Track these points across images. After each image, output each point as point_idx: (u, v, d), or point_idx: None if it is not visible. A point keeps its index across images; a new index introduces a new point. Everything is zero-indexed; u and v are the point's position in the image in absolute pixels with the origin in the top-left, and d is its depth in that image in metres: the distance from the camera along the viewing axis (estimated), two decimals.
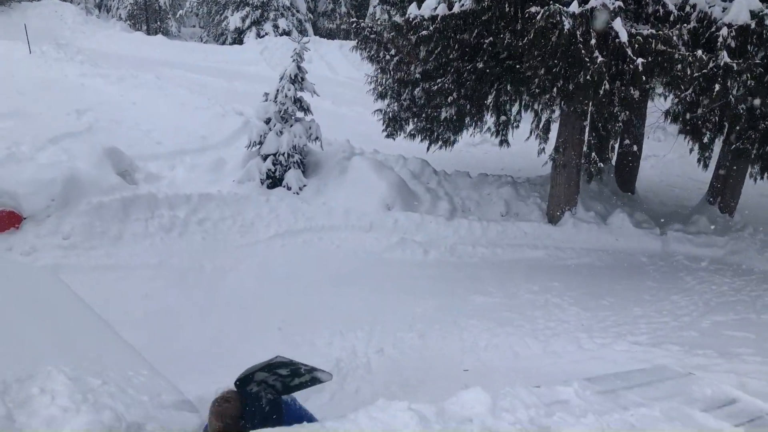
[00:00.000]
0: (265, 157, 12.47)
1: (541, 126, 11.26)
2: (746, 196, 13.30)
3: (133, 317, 7.88)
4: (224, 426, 3.31)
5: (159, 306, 8.78)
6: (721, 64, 8.36)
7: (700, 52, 8.15)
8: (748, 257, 11.26)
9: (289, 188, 12.38)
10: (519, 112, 12.00)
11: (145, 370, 3.81)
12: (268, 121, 12.55)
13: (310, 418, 3.75)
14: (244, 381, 3.59)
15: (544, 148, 11.67)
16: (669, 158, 17.76)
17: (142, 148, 13.56)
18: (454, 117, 11.49)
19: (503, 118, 12.27)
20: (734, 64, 8.35)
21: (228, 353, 7.93)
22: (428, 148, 13.25)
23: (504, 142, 12.73)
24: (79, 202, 10.23)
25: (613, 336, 8.17)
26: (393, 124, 13.05)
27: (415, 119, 12.61)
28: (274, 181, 12.51)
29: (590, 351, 7.77)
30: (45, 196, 10.01)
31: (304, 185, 12.53)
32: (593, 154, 10.41)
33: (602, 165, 11.38)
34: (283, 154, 12.35)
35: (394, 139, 13.56)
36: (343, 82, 26.16)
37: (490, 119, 12.57)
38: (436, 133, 12.52)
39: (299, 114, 12.76)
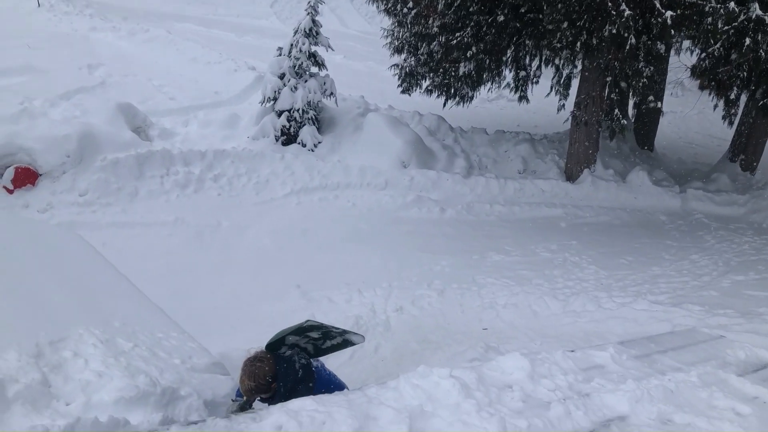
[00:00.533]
0: (279, 113, 12.30)
1: (562, 81, 10.98)
2: None
3: (150, 274, 7.85)
4: (256, 386, 3.18)
5: (176, 263, 8.78)
6: (753, 17, 8.05)
7: (732, 4, 7.84)
8: None
9: (303, 145, 12.24)
10: (539, 67, 11.71)
11: (174, 332, 3.77)
12: (282, 77, 12.33)
13: (339, 385, 3.69)
14: (274, 345, 3.53)
15: (564, 105, 11.44)
16: (687, 114, 17.45)
17: (156, 103, 13.41)
18: (473, 72, 11.23)
19: (523, 73, 11.98)
20: (766, 17, 8.04)
21: (247, 310, 7.95)
22: (444, 104, 13.02)
23: (523, 98, 12.47)
24: (94, 159, 10.17)
25: (633, 295, 8.10)
26: (409, 80, 12.81)
27: (432, 74, 12.34)
28: (288, 137, 12.36)
29: (610, 310, 7.71)
30: (60, 152, 9.94)
31: (319, 142, 12.37)
32: (616, 110, 10.17)
33: (625, 122, 11.13)
34: (298, 110, 12.17)
35: (410, 94, 13.33)
36: (355, 35, 25.71)
37: (509, 74, 12.29)
38: (453, 89, 12.27)
39: (314, 69, 12.53)
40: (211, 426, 2.18)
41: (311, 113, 12.34)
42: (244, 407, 3.26)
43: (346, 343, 3.76)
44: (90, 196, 9.81)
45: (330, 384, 3.56)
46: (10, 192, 9.59)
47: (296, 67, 12.25)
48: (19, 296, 3.28)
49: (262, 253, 9.31)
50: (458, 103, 12.82)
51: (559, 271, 8.85)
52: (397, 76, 13.14)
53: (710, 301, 7.84)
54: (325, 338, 3.65)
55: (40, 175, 9.86)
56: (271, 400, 3.27)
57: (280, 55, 12.48)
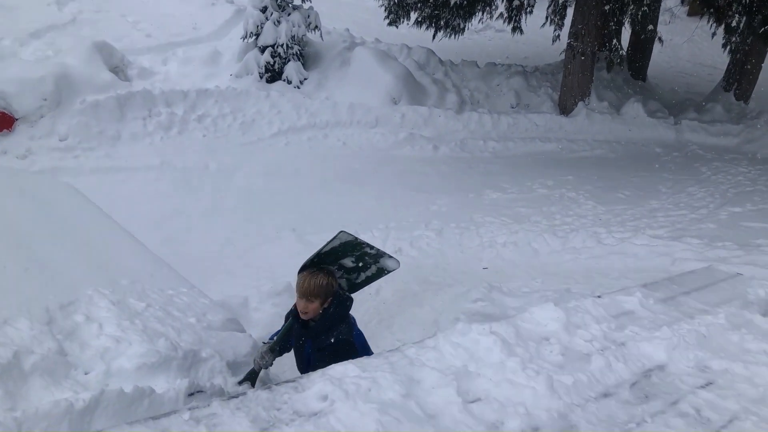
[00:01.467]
0: (262, 49, 11.81)
1: (557, 11, 10.62)
2: (762, 83, 12.92)
3: (140, 221, 7.56)
4: (327, 284, 2.97)
5: (166, 208, 8.54)
6: None
7: None
8: (764, 145, 11.05)
9: (289, 82, 11.83)
10: None
11: (184, 287, 3.59)
12: (264, 10, 11.78)
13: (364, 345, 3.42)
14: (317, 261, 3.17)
15: (558, 35, 11.11)
16: (677, 43, 17.14)
17: (132, 41, 12.82)
18: (464, 2, 10.81)
19: (516, 2, 11.56)
20: None
21: (242, 255, 7.79)
22: (434, 37, 12.62)
23: (516, 28, 12.09)
24: (73, 102, 9.74)
25: (632, 230, 8.07)
26: (397, 11, 12.32)
27: (421, 5, 11.88)
28: (273, 74, 11.93)
29: (610, 246, 7.67)
30: (36, 95, 9.49)
31: (305, 78, 11.97)
32: (615, 41, 9.89)
33: (624, 52, 10.86)
34: (282, 46, 11.70)
35: (397, 26, 12.88)
36: None
37: (501, 4, 11.87)
38: (443, 20, 11.84)
39: (297, 1, 11.99)
40: (253, 398, 2.03)
41: (296, 48, 11.88)
42: (274, 348, 3.13)
43: (381, 272, 3.43)
44: (71, 141, 9.43)
45: (361, 334, 3.35)
46: None
47: (279, 0, 11.71)
48: (20, 256, 3.06)
49: (253, 195, 9.09)
50: (449, 36, 12.41)
51: (556, 208, 8.77)
52: (383, 8, 12.64)
53: (709, 233, 7.83)
54: (359, 270, 3.37)
55: (17, 119, 9.43)
56: (313, 323, 3.05)
57: None
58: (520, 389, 2.34)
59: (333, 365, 2.33)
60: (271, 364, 3.15)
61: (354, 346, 3.07)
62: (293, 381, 2.17)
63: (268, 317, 6.33)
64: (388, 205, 8.80)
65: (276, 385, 2.13)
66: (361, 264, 3.36)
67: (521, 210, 8.66)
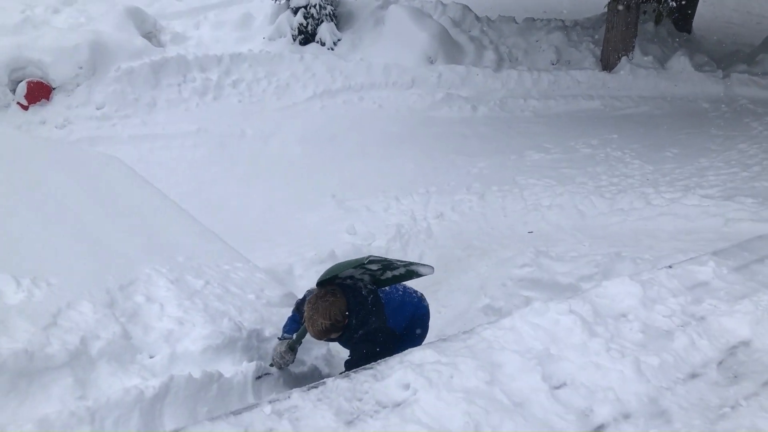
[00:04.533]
0: (295, 10, 11.57)
1: None
2: None
3: (179, 188, 7.53)
4: (332, 324, 2.82)
5: (204, 175, 8.53)
6: None
7: None
8: None
9: (323, 44, 11.60)
10: None
11: (239, 262, 3.51)
12: None
13: (411, 303, 3.31)
14: (326, 283, 3.10)
15: None
16: None
17: (162, 6, 12.66)
18: None
19: None
20: None
21: (283, 222, 7.72)
22: None
23: None
24: (108, 69, 9.68)
25: (682, 190, 7.78)
26: None
27: None
28: (306, 36, 11.70)
29: (659, 207, 7.41)
30: (72, 63, 9.44)
31: (339, 39, 11.72)
32: None
33: (674, 4, 10.39)
34: (315, 6, 11.44)
35: None
36: None
37: None
38: None
39: None
40: (333, 388, 1.95)
41: (329, 8, 11.61)
42: (294, 346, 2.97)
43: (411, 274, 3.23)
44: (107, 109, 9.41)
45: (404, 310, 3.21)
46: (25, 108, 9.21)
47: None
48: (76, 235, 3.00)
49: (290, 161, 9.00)
50: None
51: (602, 168, 8.51)
52: None
53: (763, 192, 7.51)
54: (385, 269, 3.19)
55: (54, 88, 9.43)
56: (340, 338, 2.97)
57: None
58: (606, 372, 2.22)
59: (410, 350, 2.22)
60: (292, 362, 2.99)
61: (388, 330, 3.00)
62: (371, 368, 2.08)
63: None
64: (427, 169, 8.64)
65: (354, 372, 2.04)
66: (388, 266, 3.20)
67: (565, 171, 8.43)
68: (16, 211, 2.88)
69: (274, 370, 2.77)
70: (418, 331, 3.26)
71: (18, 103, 9.16)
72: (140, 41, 10.31)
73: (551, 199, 7.74)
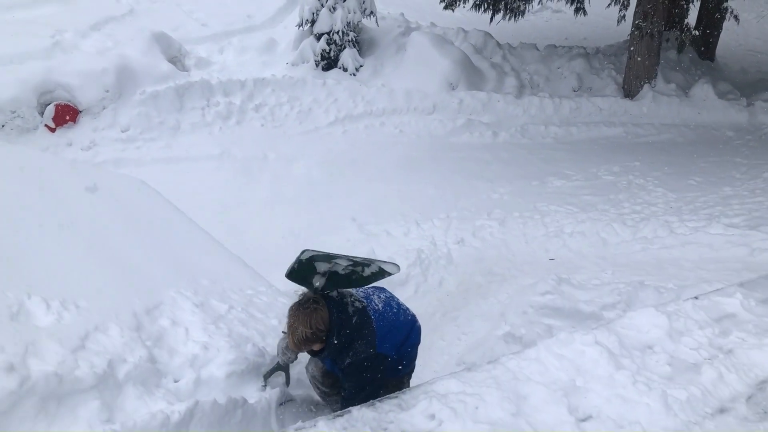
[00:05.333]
0: (318, 37, 11.72)
1: None
2: None
3: (202, 211, 7.59)
4: (313, 334, 2.63)
5: (227, 198, 8.59)
6: None
7: None
8: None
9: (345, 69, 11.72)
10: None
11: (262, 286, 3.54)
12: None
13: (406, 322, 3.11)
14: (296, 273, 2.87)
15: (624, 15, 10.68)
16: (745, 19, 16.31)
17: (188, 31, 12.89)
18: None
19: None
20: None
21: (304, 244, 7.72)
22: (491, 19, 12.29)
23: (580, 9, 11.69)
24: (133, 93, 9.86)
25: (706, 218, 7.70)
26: None
27: None
28: (329, 62, 11.84)
29: (683, 235, 7.35)
30: (98, 87, 9.64)
31: (361, 65, 11.84)
32: (686, 20, 9.43)
33: (697, 32, 10.38)
34: (338, 32, 11.59)
35: (453, 10, 12.60)
36: None
37: None
38: (504, 2, 11.52)
39: None
40: (359, 417, 1.95)
41: (351, 35, 11.75)
42: (280, 368, 2.86)
43: (383, 273, 3.05)
44: (132, 132, 9.56)
45: (399, 332, 2.98)
46: (52, 130, 9.38)
47: None
48: (103, 257, 3.04)
49: (312, 185, 9.05)
50: (509, 18, 12.08)
51: (624, 195, 8.46)
52: None
53: None
54: (362, 265, 3.00)
55: (80, 111, 9.61)
56: (323, 354, 2.78)
57: None
58: (633, 406, 2.19)
59: (435, 379, 2.21)
60: (296, 358, 2.94)
61: (379, 357, 2.78)
62: (396, 397, 2.07)
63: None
64: (448, 194, 8.65)
65: (379, 401, 2.03)
66: (359, 261, 3.01)
67: (587, 198, 8.40)
68: (44, 234, 2.93)
69: (297, 395, 2.77)
70: (404, 363, 3.07)
71: (46, 125, 9.35)
72: (165, 65, 10.50)
73: (573, 226, 7.70)
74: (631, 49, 10.97)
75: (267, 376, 2.84)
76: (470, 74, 11.34)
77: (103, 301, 2.65)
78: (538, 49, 12.54)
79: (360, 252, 7.26)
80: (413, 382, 3.06)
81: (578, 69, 11.88)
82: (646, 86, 11.07)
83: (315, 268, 2.89)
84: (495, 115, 10.74)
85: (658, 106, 10.88)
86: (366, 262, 3.01)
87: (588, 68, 11.92)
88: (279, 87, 10.72)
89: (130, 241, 3.32)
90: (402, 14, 13.36)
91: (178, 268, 3.29)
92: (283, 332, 2.88)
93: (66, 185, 3.62)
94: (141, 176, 6.34)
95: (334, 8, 11.60)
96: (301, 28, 11.95)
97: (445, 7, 12.55)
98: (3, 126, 9.11)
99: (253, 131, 10.18)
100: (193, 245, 3.69)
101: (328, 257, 2.85)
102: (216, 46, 12.54)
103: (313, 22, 11.73)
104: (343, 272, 2.96)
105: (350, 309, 2.84)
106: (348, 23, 11.67)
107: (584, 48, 12.75)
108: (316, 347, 2.74)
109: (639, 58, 10.87)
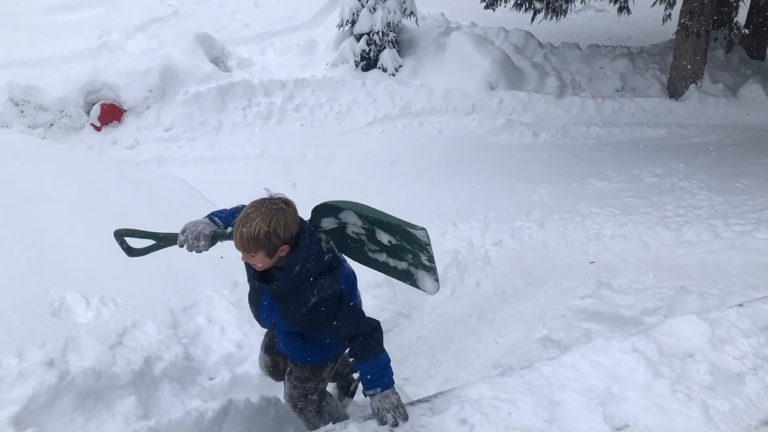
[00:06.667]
0: (358, 37, 11.76)
1: None
2: None
3: None
4: (266, 236, 2.15)
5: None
6: None
7: None
8: None
9: (384, 70, 11.73)
10: None
11: None
12: None
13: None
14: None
15: (669, 14, 10.45)
16: None
17: (230, 31, 13.09)
18: None
19: None
20: None
21: None
22: (533, 18, 12.15)
23: (624, 8, 11.46)
24: (177, 93, 10.06)
25: (753, 223, 7.46)
26: None
27: None
28: (368, 62, 11.87)
29: (729, 240, 7.13)
30: (143, 87, 9.86)
31: (400, 66, 11.84)
32: (735, 18, 9.17)
33: (747, 31, 10.08)
34: (378, 33, 11.61)
35: (494, 9, 12.50)
36: None
37: None
38: (545, 1, 11.38)
39: None
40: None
41: (391, 35, 11.76)
42: (217, 237, 2.42)
43: (408, 278, 2.67)
44: (175, 131, 9.74)
45: (350, 284, 2.56)
46: (98, 129, 9.62)
47: None
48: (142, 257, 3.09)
49: (349, 184, 9.06)
50: (551, 18, 11.92)
51: (667, 198, 8.26)
52: None
53: None
54: (387, 251, 2.62)
55: (125, 110, 9.83)
56: (270, 279, 2.35)
57: None
58: (671, 416, 2.14)
59: (467, 384, 2.17)
60: (204, 251, 2.47)
61: (347, 298, 2.37)
62: (428, 401, 2.06)
63: (368, 309, 6.26)
64: (486, 194, 8.57)
65: (410, 404, 2.02)
66: (396, 251, 2.62)
67: (629, 200, 8.23)
68: (86, 231, 3.00)
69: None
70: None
71: (92, 124, 9.59)
72: (208, 66, 10.68)
73: (614, 228, 7.55)
74: (677, 48, 10.72)
75: (140, 235, 2.45)
76: (510, 74, 11.23)
77: (140, 299, 2.70)
78: (580, 49, 12.36)
79: None
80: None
81: (621, 69, 11.66)
82: (692, 86, 10.81)
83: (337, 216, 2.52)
84: (535, 115, 10.62)
85: (704, 106, 10.61)
86: (402, 257, 2.56)
87: (632, 68, 11.70)
88: (319, 87, 10.80)
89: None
90: (442, 14, 13.30)
91: (215, 266, 3.33)
92: (209, 218, 2.52)
93: (109, 184, 3.70)
94: (183, 175, 6.47)
95: (375, 9, 11.62)
96: (341, 28, 12.01)
97: (486, 7, 12.45)
98: (51, 125, 9.37)
99: (293, 131, 10.28)
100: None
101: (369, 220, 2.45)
102: (258, 46, 12.70)
103: (353, 22, 11.78)
104: (351, 235, 2.54)
105: (324, 245, 2.41)
106: (388, 24, 11.67)
107: (628, 47, 12.51)
108: (260, 259, 2.24)
109: (685, 58, 10.61)
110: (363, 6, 11.65)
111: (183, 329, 2.66)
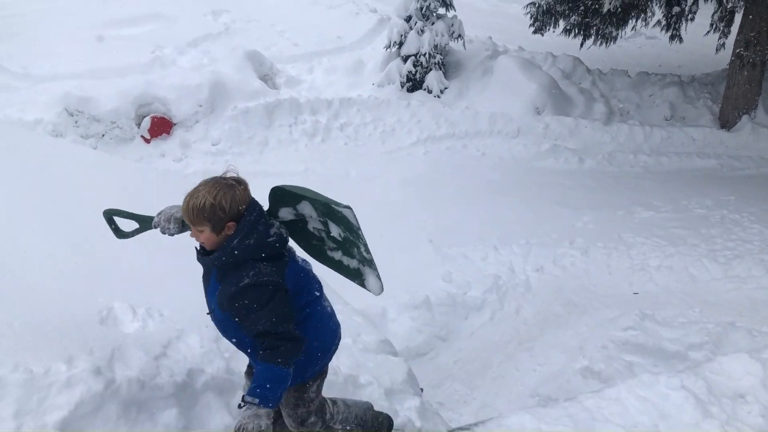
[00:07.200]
0: (405, 59, 11.85)
1: (723, 17, 9.79)
2: None
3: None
4: (210, 208, 2.12)
5: None
6: None
7: None
8: None
9: (429, 91, 11.79)
10: (695, 2, 10.50)
11: (338, 304, 3.55)
12: (408, 19, 11.83)
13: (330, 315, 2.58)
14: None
15: (723, 44, 10.26)
16: None
17: (279, 50, 13.32)
18: (619, 9, 10.23)
19: (676, 9, 10.81)
20: None
21: (379, 263, 7.73)
22: (582, 44, 12.07)
23: (676, 36, 11.31)
24: (225, 108, 10.25)
25: None
26: (543, 18, 11.91)
27: (570, 12, 11.40)
28: (414, 83, 11.94)
29: None
30: (193, 101, 10.08)
31: (446, 88, 11.87)
32: None
33: None
34: (424, 55, 11.68)
35: (542, 34, 12.46)
36: None
37: (659, 11, 11.15)
38: (594, 28, 11.30)
39: (441, 10, 11.92)
40: None
41: (438, 57, 11.81)
42: (142, 225, 2.39)
43: (358, 276, 2.57)
44: (222, 146, 9.92)
45: (300, 285, 2.41)
46: (147, 141, 9.86)
47: (423, 9, 11.70)
48: (188, 267, 3.13)
49: (390, 204, 9.08)
50: (598, 44, 11.83)
51: (717, 231, 8.06)
52: (529, 15, 12.27)
53: None
54: (340, 247, 2.54)
55: (174, 124, 10.06)
56: (206, 257, 2.27)
57: None
58: None
59: (507, 414, 2.13)
60: (175, 234, 2.41)
61: (283, 295, 2.25)
62: (468, 429, 2.03)
63: (405, 330, 6.28)
64: (529, 219, 8.49)
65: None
66: (347, 248, 2.55)
67: (676, 231, 8.06)
68: (134, 241, 3.05)
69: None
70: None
71: (142, 136, 9.84)
72: (257, 83, 10.87)
73: (660, 259, 7.41)
74: (730, 78, 10.52)
75: (125, 215, 2.45)
76: (557, 99, 11.16)
77: (185, 311, 2.73)
78: (629, 76, 12.22)
79: (436, 274, 7.23)
80: None
81: (671, 97, 11.48)
82: (744, 117, 10.57)
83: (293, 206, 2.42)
84: (581, 141, 10.51)
85: (757, 138, 10.36)
86: (353, 253, 2.47)
87: (682, 97, 11.51)
88: (364, 107, 10.90)
89: None
90: (490, 38, 13.32)
91: None
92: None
93: (156, 195, 3.77)
94: None
95: (422, 31, 11.71)
96: (388, 49, 12.12)
97: (535, 32, 12.42)
98: (103, 135, 9.64)
99: (337, 149, 10.37)
100: None
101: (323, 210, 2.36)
102: (306, 65, 12.88)
103: (400, 44, 11.88)
104: (312, 231, 2.46)
105: (273, 230, 2.32)
106: (435, 46, 11.74)
107: (678, 76, 12.32)
108: (207, 235, 2.20)
109: (738, 88, 10.40)
110: (411, 28, 11.75)
111: (225, 343, 2.67)
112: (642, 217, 8.52)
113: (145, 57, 12.12)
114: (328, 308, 2.65)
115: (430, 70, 11.83)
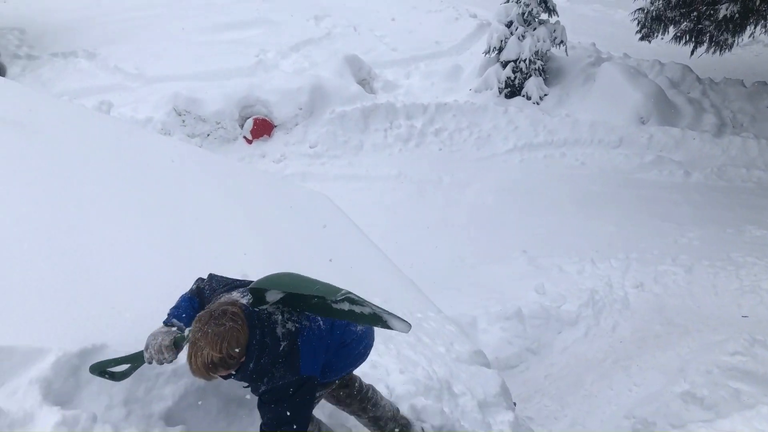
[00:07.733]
0: (504, 64, 11.68)
1: None
2: None
3: (375, 229, 7.79)
4: (221, 360, 2.06)
5: (399, 218, 8.74)
6: None
7: None
8: None
9: (528, 98, 11.55)
10: None
11: (431, 311, 3.52)
12: (509, 25, 11.65)
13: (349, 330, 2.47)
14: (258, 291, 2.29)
15: None
16: None
17: (378, 54, 13.42)
18: (736, 15, 9.65)
19: None
20: None
21: (471, 272, 7.66)
22: (692, 52, 11.48)
23: None
24: (324, 111, 10.43)
25: None
26: (651, 25, 11.41)
27: (682, 18, 10.85)
28: (512, 89, 11.74)
29: None
30: (293, 104, 10.32)
31: (545, 94, 11.60)
32: None
33: None
34: (524, 61, 11.45)
35: (650, 41, 11.95)
36: None
37: None
38: (708, 35, 10.72)
39: (543, 16, 11.66)
40: None
41: (538, 63, 11.56)
42: (180, 344, 2.24)
43: (377, 320, 2.31)
44: (319, 148, 10.10)
45: (326, 340, 2.39)
46: (249, 142, 10.18)
47: (525, 14, 11.48)
48: (280, 264, 3.18)
49: (483, 212, 8.97)
50: (714, 51, 11.21)
51: None
52: (636, 21, 11.79)
53: None
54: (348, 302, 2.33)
55: (275, 126, 10.34)
56: (232, 377, 2.22)
57: (507, 1, 11.78)
58: None
59: None
60: (172, 361, 2.29)
61: (301, 381, 2.25)
62: None
63: (495, 340, 6.17)
64: (629, 233, 8.16)
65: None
66: (351, 297, 2.30)
67: None
68: (237, 238, 3.14)
69: (459, 425, 2.67)
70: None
71: (244, 137, 10.17)
72: (355, 87, 11.01)
73: None
74: None
75: (113, 364, 2.33)
76: (663, 109, 10.67)
77: None
78: (744, 86, 11.51)
79: (529, 285, 7.05)
80: None
81: None
82: None
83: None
84: (688, 153, 9.99)
85: None
86: (362, 301, 2.30)
87: None
88: (460, 112, 10.81)
89: (308, 252, 3.45)
90: (593, 44, 12.91)
91: (349, 281, 3.35)
92: (164, 323, 2.33)
93: (258, 194, 3.88)
94: (323, 190, 6.69)
95: (523, 36, 11.50)
96: (487, 55, 11.98)
97: (641, 39, 11.92)
98: (208, 135, 10.04)
99: (431, 154, 10.34)
100: (365, 261, 3.77)
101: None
102: (403, 70, 12.93)
103: (500, 49, 11.72)
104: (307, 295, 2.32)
105: (279, 331, 2.25)
106: (536, 52, 11.51)
107: None
108: (223, 373, 2.15)
109: None
110: (512, 34, 11.56)
111: None
112: (754, 235, 8.01)
113: (250, 60, 12.53)
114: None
115: (530, 76, 11.59)
